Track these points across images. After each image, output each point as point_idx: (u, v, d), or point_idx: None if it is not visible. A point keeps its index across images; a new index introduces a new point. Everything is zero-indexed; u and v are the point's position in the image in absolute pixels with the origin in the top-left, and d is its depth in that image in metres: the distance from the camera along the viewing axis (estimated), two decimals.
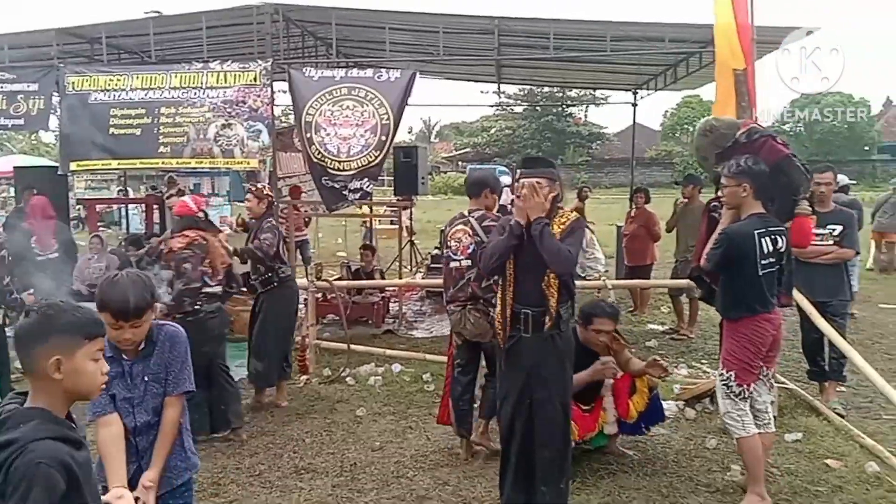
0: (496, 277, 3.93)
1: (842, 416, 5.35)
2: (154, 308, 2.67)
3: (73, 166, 8.08)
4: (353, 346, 7.03)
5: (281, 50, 8.18)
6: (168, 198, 8.32)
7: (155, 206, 11.39)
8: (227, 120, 7.59)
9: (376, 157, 7.29)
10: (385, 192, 21.52)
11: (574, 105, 43.11)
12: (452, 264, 4.73)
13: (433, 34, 8.22)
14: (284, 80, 7.84)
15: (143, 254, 7.81)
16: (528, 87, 34.79)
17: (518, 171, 3.85)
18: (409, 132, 57.40)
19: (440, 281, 8.74)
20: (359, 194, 7.44)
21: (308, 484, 4.44)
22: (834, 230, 5.60)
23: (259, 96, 7.58)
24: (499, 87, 13.53)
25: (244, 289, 8.69)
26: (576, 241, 3.62)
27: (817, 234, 5.52)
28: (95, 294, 2.55)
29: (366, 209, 12.06)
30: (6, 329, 5.96)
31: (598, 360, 4.44)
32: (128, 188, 17.67)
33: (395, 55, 8.99)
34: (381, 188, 23.96)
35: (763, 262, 3.92)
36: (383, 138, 7.28)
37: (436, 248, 11.03)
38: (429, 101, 44.82)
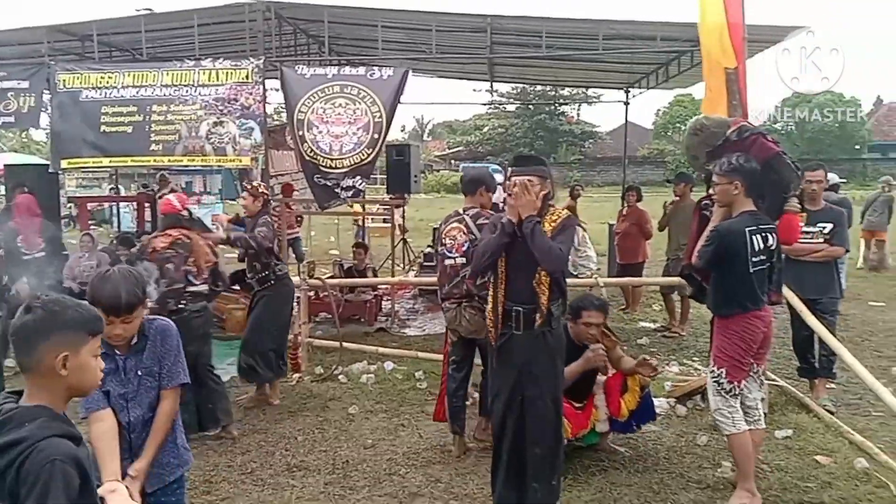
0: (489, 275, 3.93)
1: (831, 413, 5.39)
2: (145, 304, 2.67)
3: (64, 164, 8.03)
4: (345, 344, 7.03)
5: (273, 48, 8.17)
6: (160, 196, 8.31)
7: (146, 205, 11.37)
8: (219, 118, 7.57)
9: (369, 155, 7.28)
10: (378, 190, 21.50)
11: (566, 104, 43.20)
12: (447, 262, 4.75)
13: (426, 32, 8.23)
14: (277, 78, 7.82)
15: (135, 253, 7.79)
16: (521, 85, 34.81)
17: (509, 169, 3.86)
18: (402, 130, 57.32)
19: (433, 279, 8.79)
20: (351, 192, 7.43)
21: (300, 482, 4.44)
22: (824, 228, 5.63)
23: (251, 94, 7.56)
24: (491, 86, 13.52)
25: (236, 287, 8.73)
26: (567, 238, 3.63)
27: (808, 232, 5.56)
28: (87, 290, 2.55)
29: (358, 207, 12.06)
30: None
31: (587, 349, 4.44)
32: (119, 186, 17.61)
33: (387, 53, 8.99)
34: (373, 186, 23.93)
35: (754, 259, 3.94)
36: (376, 136, 7.28)
37: (429, 246, 11.04)
38: (422, 99, 44.79)
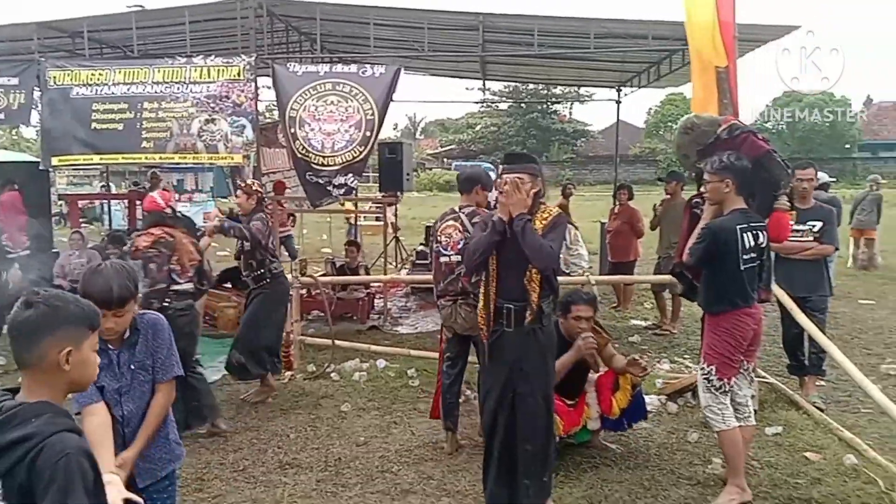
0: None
1: (821, 410, 5.42)
2: (136, 298, 2.67)
3: (54, 161, 7.99)
4: (337, 342, 7.03)
5: (265, 45, 8.15)
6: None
7: (137, 202, 11.32)
8: (210, 115, 7.55)
9: (361, 153, 7.28)
10: (370, 188, 21.48)
11: (559, 102, 43.23)
12: (442, 259, 4.76)
13: (418, 30, 8.22)
14: (268, 76, 7.80)
15: (125, 251, 7.77)
16: (513, 83, 34.87)
17: (500, 167, 3.87)
18: (395, 128, 57.39)
19: (425, 277, 8.81)
20: (343, 190, 7.42)
21: (292, 479, 4.44)
22: (814, 226, 5.66)
23: (243, 91, 7.53)
24: (484, 84, 13.54)
25: (228, 285, 8.71)
26: (557, 236, 3.64)
27: (798, 231, 5.59)
28: (78, 284, 2.55)
29: (350, 205, 12.05)
30: None
31: (578, 339, 4.46)
32: (110, 184, 17.52)
33: (379, 51, 8.98)
34: (366, 184, 23.90)
35: (745, 257, 3.96)
36: (368, 134, 7.27)
37: (421, 244, 11.04)
38: (414, 97, 44.78)
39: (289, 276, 6.70)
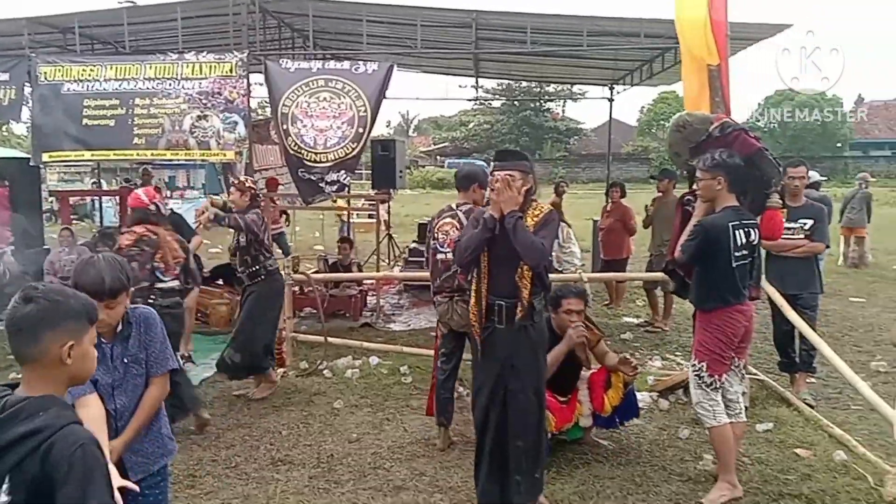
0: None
1: (811, 407, 5.45)
2: (128, 292, 2.67)
3: (45, 157, 7.96)
4: (330, 339, 7.02)
5: (257, 41, 8.13)
6: None
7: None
8: (202, 111, 7.53)
9: (353, 150, 7.27)
10: (363, 185, 21.46)
11: (552, 100, 43.29)
12: (439, 256, 4.77)
13: (411, 27, 8.23)
14: (261, 72, 7.79)
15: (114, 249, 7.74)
16: (506, 81, 34.92)
17: (491, 164, 3.88)
18: (388, 126, 57.38)
19: (418, 274, 8.82)
20: (335, 186, 7.42)
21: (285, 475, 4.44)
22: (805, 224, 5.69)
23: (235, 87, 7.52)
24: (476, 82, 13.56)
25: (221, 282, 8.69)
26: (549, 233, 3.65)
27: (789, 228, 5.61)
28: (70, 276, 2.55)
29: (343, 203, 12.03)
30: None
31: (569, 329, 4.47)
32: (101, 180, 17.43)
33: (372, 48, 8.98)
34: (358, 182, 23.90)
35: (737, 254, 3.98)
36: (360, 130, 7.27)
37: (414, 241, 11.05)
38: (407, 94, 44.80)
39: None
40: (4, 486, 1.62)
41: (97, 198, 16.57)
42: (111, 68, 7.68)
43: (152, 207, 4.94)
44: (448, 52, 10.58)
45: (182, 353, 6.46)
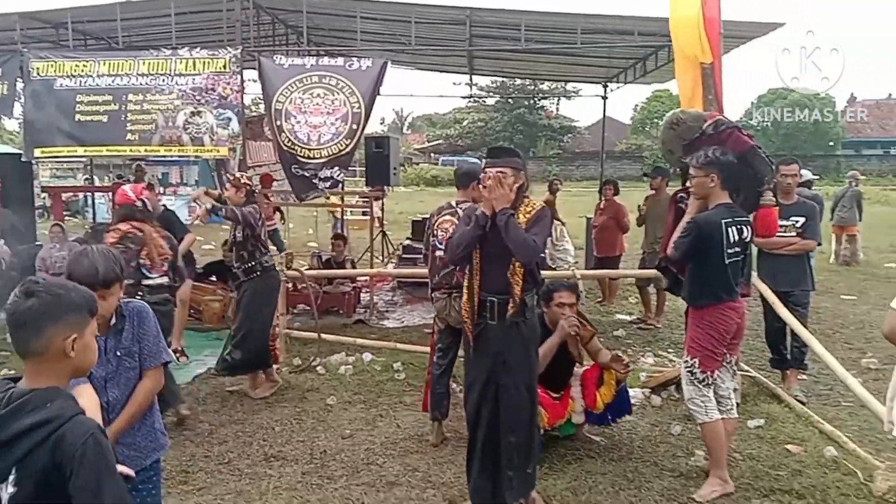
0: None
1: (802, 403, 5.48)
2: (122, 284, 2.68)
3: (37, 153, 7.93)
4: (323, 336, 7.02)
5: (251, 37, 8.12)
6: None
7: None
8: (196, 107, 7.51)
9: (347, 146, 7.27)
10: (357, 182, 21.44)
11: (546, 98, 43.34)
12: (438, 253, 4.77)
13: (405, 24, 8.22)
14: (254, 68, 7.77)
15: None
16: (500, 79, 34.91)
17: (483, 161, 3.89)
18: (382, 123, 57.28)
19: (411, 271, 8.82)
20: (329, 183, 7.42)
21: (278, 471, 4.44)
22: (797, 222, 5.71)
23: (229, 84, 7.51)
24: (471, 79, 13.54)
25: (214, 278, 8.67)
26: (541, 229, 3.65)
27: (781, 226, 5.63)
28: (64, 268, 2.55)
29: (337, 199, 12.03)
30: None
31: (561, 320, 4.48)
32: (94, 177, 17.37)
33: (366, 44, 8.96)
34: (352, 179, 23.86)
35: (729, 251, 4.00)
36: (354, 127, 7.26)
37: (408, 238, 11.05)
38: (401, 91, 44.75)
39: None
40: (11, 477, 1.63)
41: (90, 194, 16.51)
42: (104, 64, 7.65)
43: (139, 204, 4.90)
44: (442, 49, 10.57)
45: (175, 348, 6.47)
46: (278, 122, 7.33)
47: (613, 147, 42.50)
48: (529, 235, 3.53)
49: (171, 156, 9.49)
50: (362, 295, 9.43)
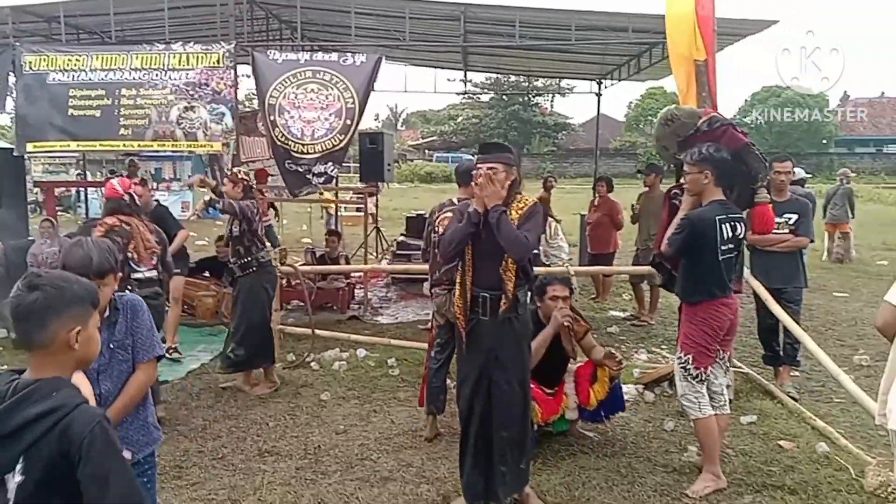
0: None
1: (795, 400, 5.51)
2: (116, 276, 2.68)
3: (29, 148, 7.89)
4: (317, 332, 7.01)
5: (245, 32, 8.09)
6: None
7: None
8: (189, 102, 7.49)
9: (341, 141, 7.26)
10: (351, 178, 21.42)
11: (540, 95, 43.31)
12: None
13: (399, 20, 8.21)
14: (248, 63, 7.75)
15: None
16: (495, 75, 34.87)
17: (475, 157, 3.88)
18: (376, 119, 57.19)
19: (405, 267, 8.82)
20: (323, 178, 7.40)
21: (271, 466, 4.44)
22: (790, 219, 5.73)
23: (222, 79, 7.48)
24: (465, 75, 13.52)
25: (207, 273, 8.65)
26: (534, 226, 3.65)
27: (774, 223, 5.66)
28: (59, 259, 2.56)
29: (330, 195, 12.01)
30: None
31: (554, 312, 4.49)
32: (87, 172, 17.30)
33: (360, 40, 8.94)
34: (346, 175, 23.83)
35: (723, 247, 4.01)
36: (348, 122, 7.25)
37: (402, 234, 11.05)
38: (395, 87, 44.63)
39: None
40: (19, 467, 1.64)
41: (82, 189, 16.43)
42: (97, 58, 7.61)
43: (126, 198, 4.91)
44: (437, 45, 10.55)
45: (168, 346, 6.45)
46: (272, 117, 7.31)
47: (607, 144, 42.54)
48: (521, 232, 3.53)
49: (165, 151, 9.49)
50: (356, 291, 9.42)
